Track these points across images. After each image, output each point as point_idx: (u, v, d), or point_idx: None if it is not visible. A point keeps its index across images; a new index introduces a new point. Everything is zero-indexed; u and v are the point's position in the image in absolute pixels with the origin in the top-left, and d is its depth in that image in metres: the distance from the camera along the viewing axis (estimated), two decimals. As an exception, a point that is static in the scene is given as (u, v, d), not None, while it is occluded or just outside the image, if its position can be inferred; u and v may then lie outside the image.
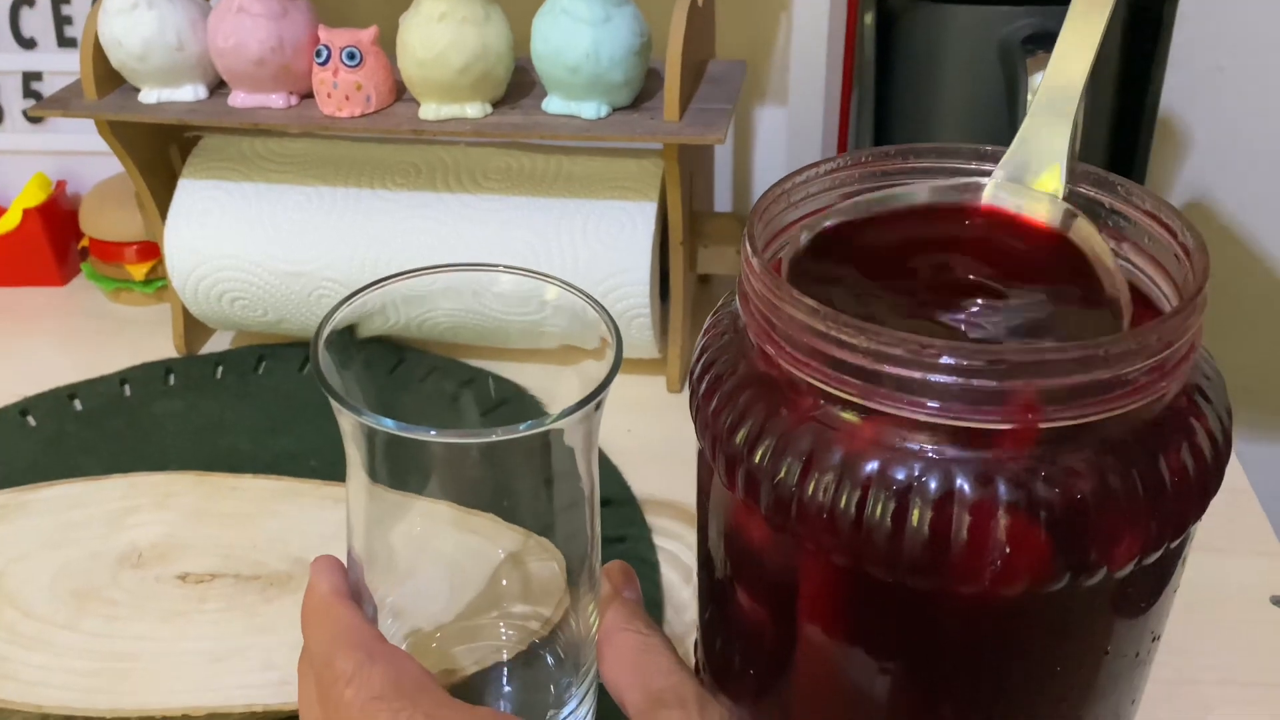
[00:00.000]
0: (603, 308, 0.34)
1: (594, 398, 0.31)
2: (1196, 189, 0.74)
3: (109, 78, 0.57)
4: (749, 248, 0.31)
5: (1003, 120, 0.55)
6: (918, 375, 0.27)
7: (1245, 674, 0.43)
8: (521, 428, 0.30)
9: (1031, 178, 0.34)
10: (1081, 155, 0.35)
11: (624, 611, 0.33)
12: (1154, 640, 0.33)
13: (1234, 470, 0.54)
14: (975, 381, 0.26)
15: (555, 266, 0.55)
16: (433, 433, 0.29)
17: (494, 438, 0.30)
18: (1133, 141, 0.57)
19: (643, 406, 0.60)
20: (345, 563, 0.34)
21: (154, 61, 0.55)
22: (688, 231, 0.58)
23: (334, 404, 0.30)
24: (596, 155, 0.58)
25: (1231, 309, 0.77)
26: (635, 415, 0.60)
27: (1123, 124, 0.57)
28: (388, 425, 0.29)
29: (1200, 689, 0.42)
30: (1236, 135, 0.72)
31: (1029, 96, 0.50)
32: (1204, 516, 0.49)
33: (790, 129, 0.75)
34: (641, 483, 0.55)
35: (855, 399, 0.28)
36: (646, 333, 0.58)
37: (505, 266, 0.36)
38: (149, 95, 0.56)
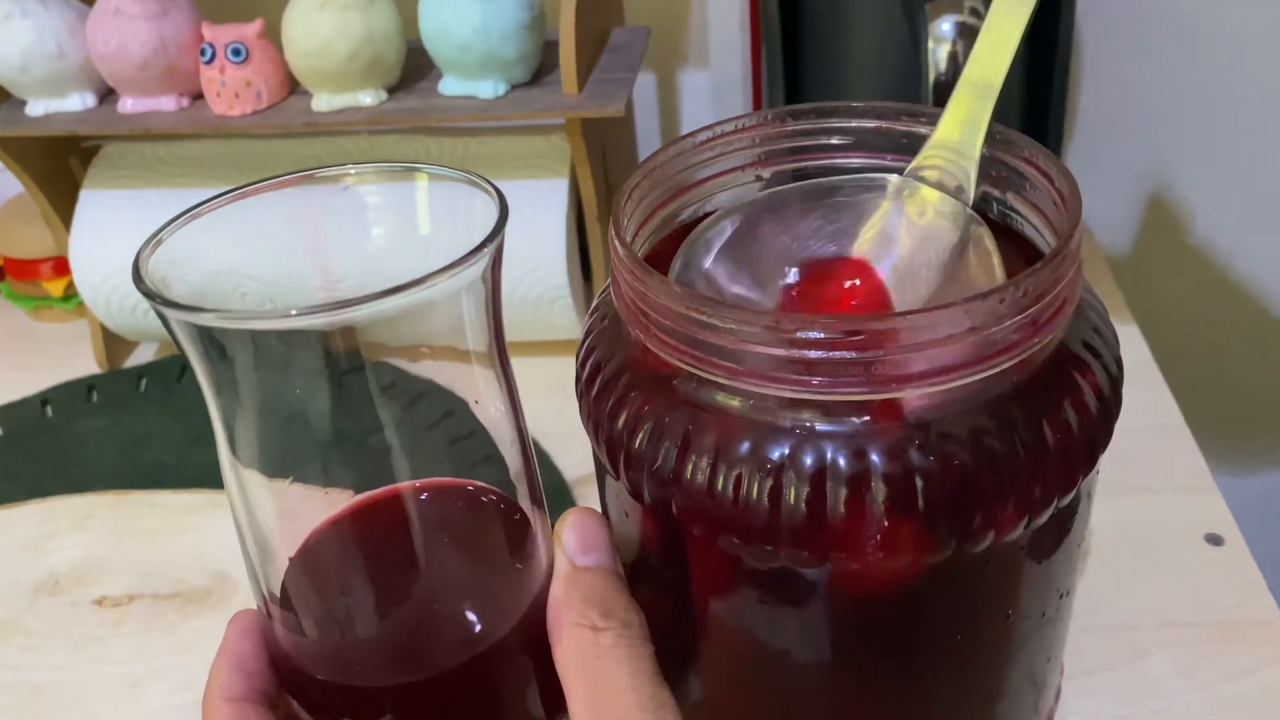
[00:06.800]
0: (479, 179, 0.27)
1: (492, 239, 0.24)
2: (1123, 124, 0.73)
3: (-7, 92, 0.56)
4: (614, 233, 0.30)
5: (913, 70, 0.54)
6: (779, 352, 0.26)
7: (1178, 614, 0.43)
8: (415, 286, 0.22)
9: (943, 179, 0.32)
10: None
11: (576, 592, 0.27)
12: (1062, 597, 0.32)
13: (1168, 408, 0.53)
14: (834, 354, 0.25)
15: (440, 253, 0.54)
16: (294, 312, 0.22)
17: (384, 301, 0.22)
18: (1048, 74, 0.55)
19: (571, 388, 0.59)
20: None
21: (36, 72, 0.53)
22: (604, 206, 0.56)
23: (177, 327, 0.23)
24: (504, 135, 0.57)
25: (1165, 247, 0.77)
26: (565, 397, 0.59)
27: (1037, 57, 0.56)
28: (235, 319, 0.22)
29: (1135, 633, 0.42)
30: (1160, 50, 0.70)
31: (930, 44, 0.48)
32: (1137, 456, 0.48)
33: (714, 92, 0.74)
34: (571, 466, 0.54)
35: (724, 380, 0.27)
36: (569, 314, 0.57)
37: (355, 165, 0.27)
38: (35, 107, 0.55)
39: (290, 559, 0.27)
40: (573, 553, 0.28)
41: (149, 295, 0.23)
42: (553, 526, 0.30)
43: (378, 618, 0.28)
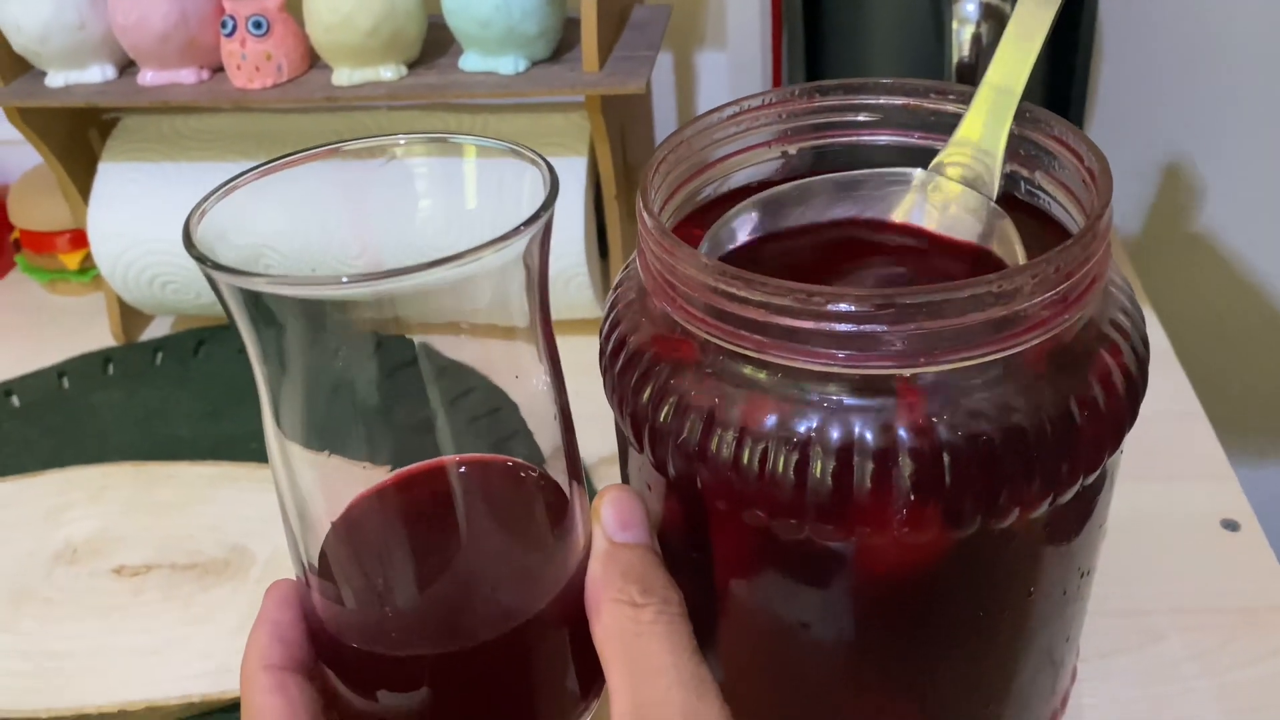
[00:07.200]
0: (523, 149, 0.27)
1: (543, 213, 0.24)
2: (1147, 93, 0.73)
3: (13, 63, 0.56)
4: (642, 205, 0.30)
5: (937, 52, 0.54)
6: (809, 325, 0.26)
7: (1195, 600, 0.43)
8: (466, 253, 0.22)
9: (966, 175, 0.32)
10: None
11: (615, 567, 0.27)
12: (1083, 576, 0.32)
13: (1185, 395, 0.53)
14: (865, 327, 0.25)
15: (484, 228, 0.54)
16: (345, 279, 0.22)
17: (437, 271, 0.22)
18: (1070, 59, 0.55)
19: (588, 368, 0.59)
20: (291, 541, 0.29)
21: (56, 43, 0.53)
22: (622, 185, 0.56)
23: (221, 284, 0.23)
24: (523, 112, 0.57)
25: (1182, 235, 0.76)
26: (581, 376, 0.59)
27: (1059, 42, 0.56)
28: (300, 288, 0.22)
29: (1148, 618, 0.42)
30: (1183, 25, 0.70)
31: (954, 25, 0.48)
32: (1154, 442, 0.48)
33: (731, 72, 0.73)
34: (588, 445, 0.54)
35: (752, 353, 0.27)
36: (586, 292, 0.57)
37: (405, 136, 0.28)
38: (55, 78, 0.55)
39: (329, 529, 0.27)
40: (611, 530, 0.28)
41: (200, 259, 0.23)
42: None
43: (415, 589, 0.28)
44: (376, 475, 0.28)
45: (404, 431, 0.27)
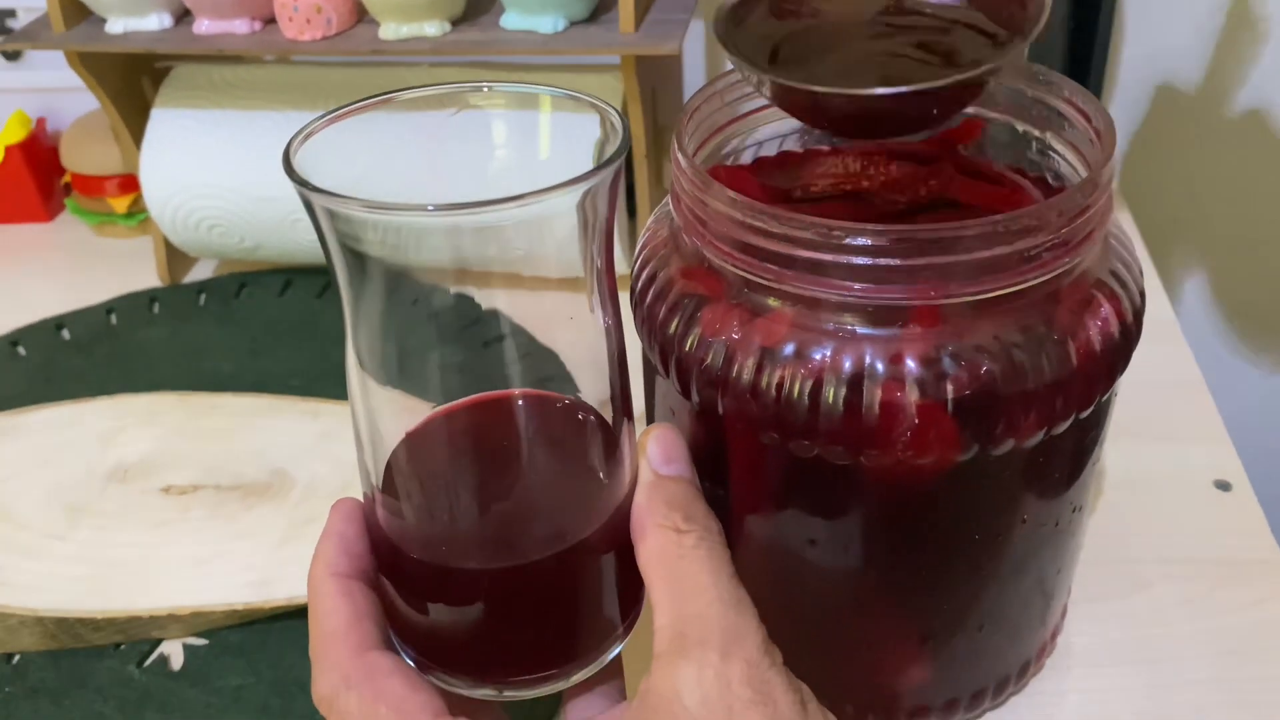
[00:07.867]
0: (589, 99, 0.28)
1: (610, 163, 0.25)
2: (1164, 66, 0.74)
3: (76, 10, 0.58)
4: (677, 147, 0.32)
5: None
6: (827, 257, 0.28)
7: (1183, 551, 0.45)
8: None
9: None
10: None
11: (660, 496, 0.29)
12: (1075, 511, 0.35)
13: (1185, 361, 0.55)
14: (880, 260, 0.28)
15: (516, 183, 0.56)
16: (430, 207, 0.23)
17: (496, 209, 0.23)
18: (1091, 31, 0.57)
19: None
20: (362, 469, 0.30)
21: (117, -10, 0.56)
22: (652, 145, 0.58)
23: (316, 206, 0.24)
24: (558, 71, 0.59)
25: (1196, 209, 0.78)
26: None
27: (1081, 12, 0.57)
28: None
29: (1138, 567, 0.44)
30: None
31: None
32: (1154, 408, 0.50)
33: (761, 43, 0.75)
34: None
35: (774, 284, 0.29)
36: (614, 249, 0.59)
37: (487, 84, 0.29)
38: (115, 25, 0.57)
39: (395, 449, 0.29)
40: (656, 463, 0.30)
41: (300, 183, 0.24)
42: None
43: (473, 507, 0.30)
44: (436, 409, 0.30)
45: (461, 370, 0.29)
